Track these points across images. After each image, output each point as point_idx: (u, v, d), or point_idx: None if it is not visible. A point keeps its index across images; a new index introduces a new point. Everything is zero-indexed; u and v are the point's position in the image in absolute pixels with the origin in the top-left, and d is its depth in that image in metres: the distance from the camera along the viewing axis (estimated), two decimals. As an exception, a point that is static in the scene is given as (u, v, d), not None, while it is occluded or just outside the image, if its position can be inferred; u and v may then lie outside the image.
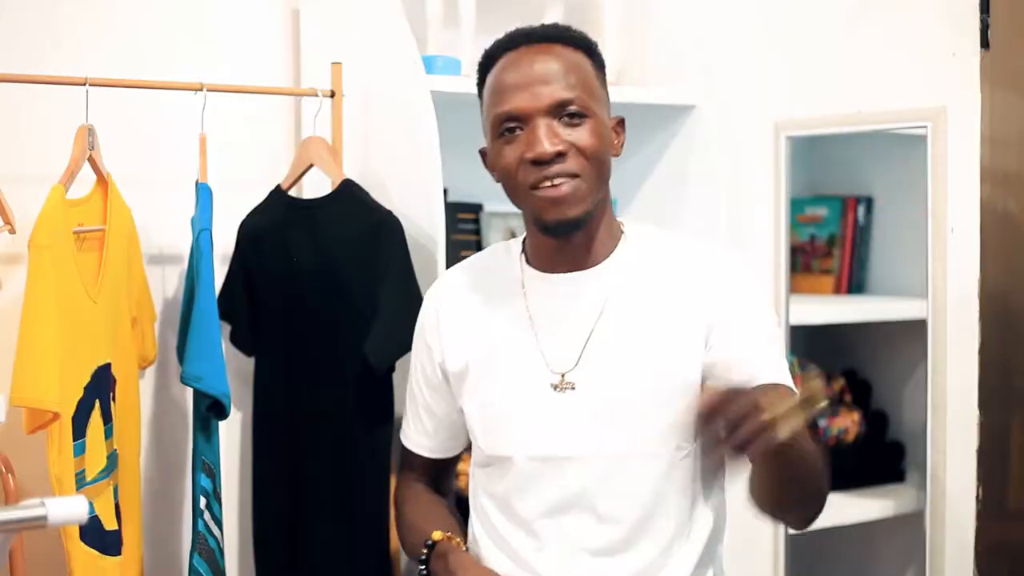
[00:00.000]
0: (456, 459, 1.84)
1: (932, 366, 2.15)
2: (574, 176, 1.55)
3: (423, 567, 1.67)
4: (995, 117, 2.05)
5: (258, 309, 2.14)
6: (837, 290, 2.66)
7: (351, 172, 2.16)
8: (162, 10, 2.23)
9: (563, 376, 1.61)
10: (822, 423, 2.60)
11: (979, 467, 2.09)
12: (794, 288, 2.47)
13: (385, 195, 2.11)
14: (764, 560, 2.45)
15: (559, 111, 1.55)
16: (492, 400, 1.66)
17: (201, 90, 2.03)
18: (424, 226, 2.04)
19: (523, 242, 1.71)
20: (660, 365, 1.59)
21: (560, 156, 1.54)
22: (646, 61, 2.55)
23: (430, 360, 1.73)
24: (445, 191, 2.05)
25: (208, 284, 1.98)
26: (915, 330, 2.22)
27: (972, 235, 2.08)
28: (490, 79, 1.61)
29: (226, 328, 2.12)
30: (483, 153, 1.67)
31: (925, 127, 2.14)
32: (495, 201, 2.42)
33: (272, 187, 2.16)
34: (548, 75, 1.56)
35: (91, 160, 1.96)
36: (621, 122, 1.67)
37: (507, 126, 1.57)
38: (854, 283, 2.65)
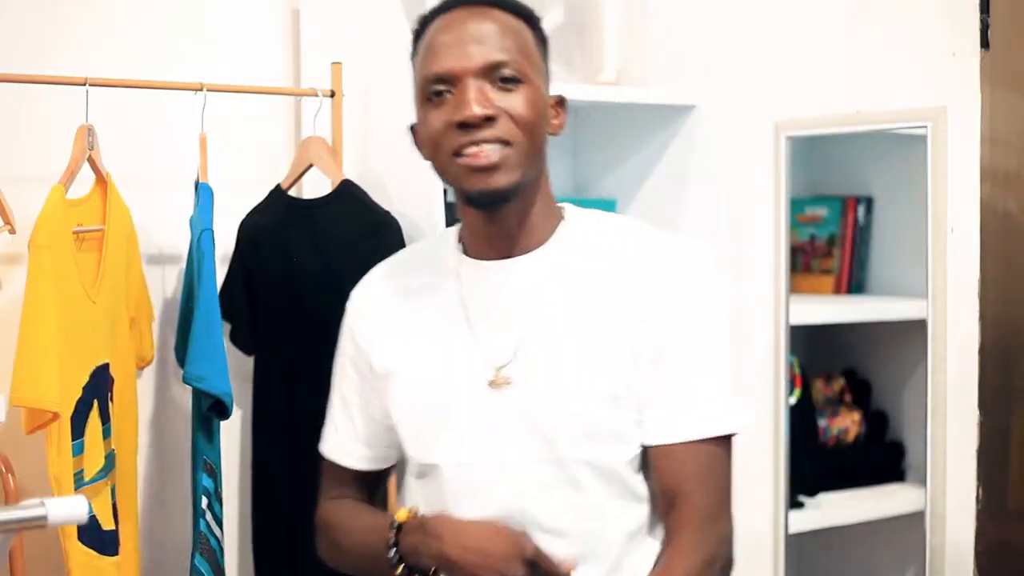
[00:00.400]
0: (389, 472, 1.68)
1: (932, 366, 2.14)
2: (504, 143, 1.42)
3: (394, 550, 1.45)
4: (995, 117, 2.05)
5: (258, 309, 2.15)
6: (837, 290, 2.66)
7: (351, 172, 2.16)
8: (162, 10, 2.24)
9: (499, 371, 1.47)
10: (822, 423, 2.61)
11: (979, 467, 2.08)
12: (794, 288, 2.47)
13: (385, 195, 2.11)
14: (764, 560, 2.44)
15: (492, 73, 1.43)
16: (423, 401, 1.52)
17: (201, 90, 2.03)
18: (424, 226, 2.04)
19: (459, 230, 1.58)
20: (601, 360, 1.46)
21: (489, 120, 1.41)
22: (646, 61, 2.55)
23: (363, 359, 1.59)
24: (445, 191, 2.05)
25: (210, 284, 1.98)
26: (915, 330, 2.22)
27: (972, 235, 2.07)
28: (421, 43, 1.49)
29: (226, 327, 2.12)
30: (412, 130, 1.53)
31: (925, 127, 2.14)
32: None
33: (272, 187, 2.16)
34: (482, 35, 1.44)
35: (91, 160, 1.96)
36: (562, 101, 1.53)
37: (435, 88, 1.44)
38: (854, 283, 2.65)
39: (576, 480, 1.46)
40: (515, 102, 1.43)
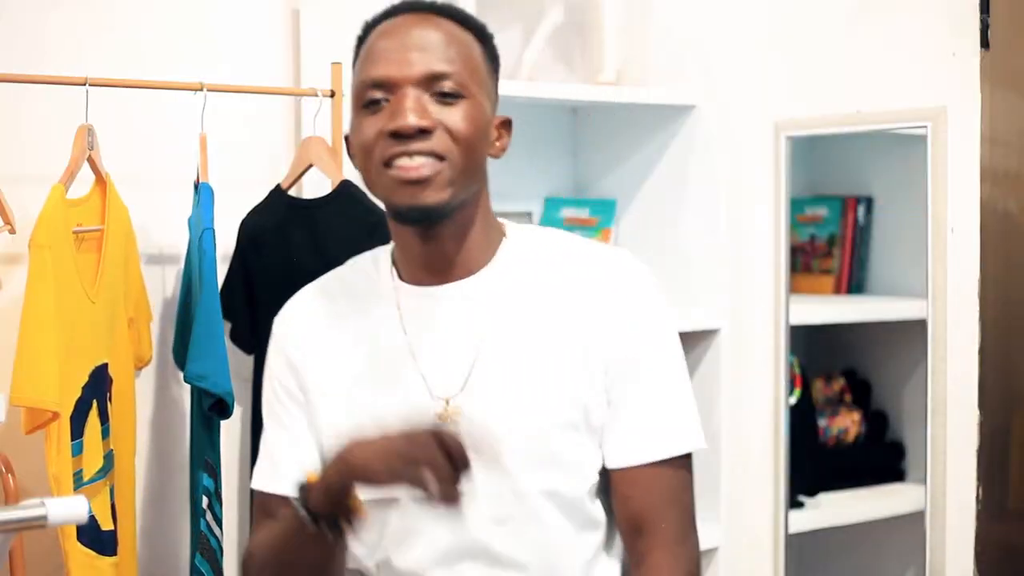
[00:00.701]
0: None
1: (932, 366, 2.14)
2: (438, 158, 1.34)
3: (305, 511, 1.30)
4: (995, 117, 2.05)
5: (258, 308, 2.15)
6: (837, 290, 2.66)
7: (351, 172, 2.16)
8: (162, 10, 2.23)
9: (448, 402, 1.40)
10: (822, 423, 2.61)
11: (979, 467, 2.08)
12: (794, 288, 2.47)
13: (385, 195, 2.11)
14: (764, 560, 2.44)
15: (432, 84, 1.35)
16: (365, 434, 1.33)
17: (201, 90, 2.03)
18: (424, 226, 2.03)
19: (391, 252, 1.50)
20: (556, 386, 1.40)
21: (424, 133, 1.33)
22: (646, 61, 2.55)
23: (298, 385, 1.47)
24: (445, 191, 2.04)
25: (211, 283, 1.98)
26: (915, 330, 2.22)
27: (972, 235, 2.08)
28: (363, 48, 1.41)
29: (227, 327, 2.12)
30: (346, 140, 1.45)
31: (925, 127, 2.14)
32: (494, 201, 2.42)
33: (271, 187, 2.16)
34: (426, 44, 1.36)
35: (90, 160, 1.96)
36: (507, 123, 1.46)
37: (372, 96, 1.36)
38: (854, 283, 2.65)
39: (536, 512, 1.40)
40: (454, 117, 1.35)
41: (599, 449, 1.43)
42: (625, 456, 1.42)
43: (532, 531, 1.40)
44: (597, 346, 1.41)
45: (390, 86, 1.36)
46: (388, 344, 1.44)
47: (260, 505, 1.50)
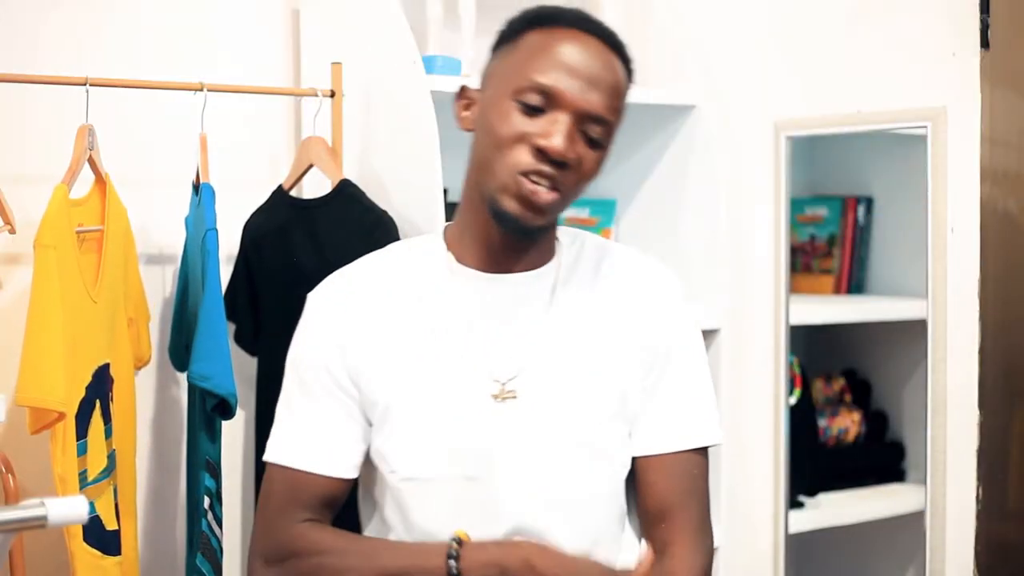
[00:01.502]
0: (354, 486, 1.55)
1: (932, 366, 2.14)
2: (562, 192, 1.42)
3: (453, 561, 1.38)
4: (995, 117, 2.05)
5: (260, 308, 2.15)
6: (837, 290, 2.66)
7: (351, 172, 2.16)
8: (162, 10, 2.23)
9: (504, 385, 1.46)
10: (822, 423, 2.61)
11: (979, 467, 2.08)
12: (794, 288, 2.47)
13: (385, 195, 2.11)
14: (764, 560, 2.44)
15: (587, 123, 1.41)
16: (420, 413, 1.46)
17: (201, 90, 2.03)
18: (424, 226, 2.03)
19: (443, 236, 1.55)
20: (603, 377, 1.48)
21: (565, 166, 1.40)
22: (646, 61, 2.54)
23: (343, 361, 1.49)
24: (445, 191, 2.05)
25: (215, 284, 1.98)
26: (915, 330, 2.22)
27: (972, 235, 2.08)
28: (538, 38, 1.42)
29: (230, 328, 2.12)
30: (463, 91, 1.49)
31: (925, 127, 2.14)
32: (495, 201, 2.43)
33: (272, 187, 2.16)
34: (604, 83, 1.42)
35: (90, 160, 1.96)
36: None
37: (533, 98, 1.39)
38: (854, 283, 2.65)
39: (584, 499, 1.48)
40: (589, 160, 1.42)
41: (629, 439, 1.50)
42: (655, 443, 1.50)
43: (580, 517, 1.47)
44: (635, 341, 1.50)
45: (557, 101, 1.40)
46: (445, 325, 1.48)
47: (285, 480, 1.49)
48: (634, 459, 1.51)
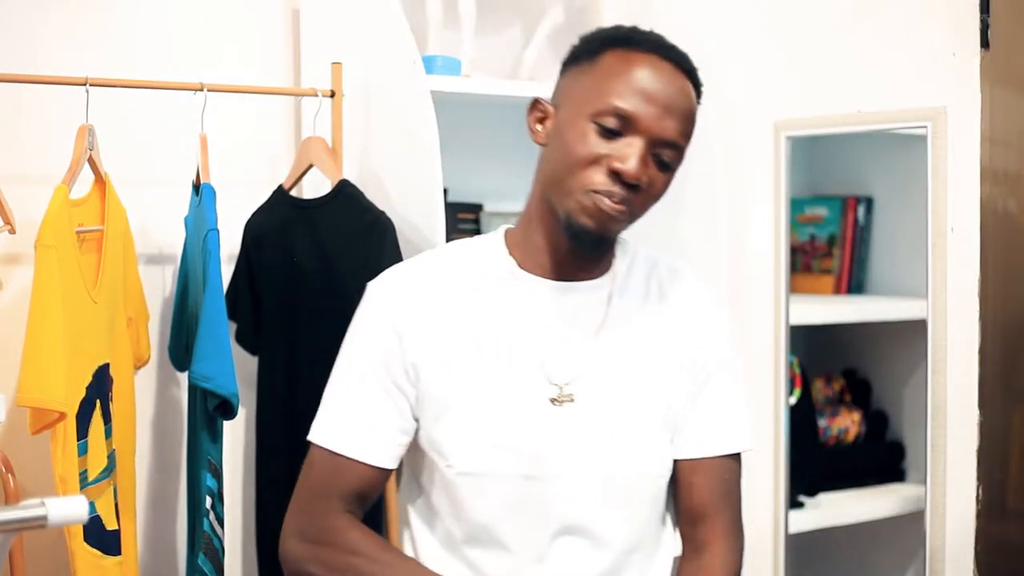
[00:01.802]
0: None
1: (932, 366, 2.14)
2: (630, 213, 1.48)
3: None
4: (995, 117, 2.05)
5: (261, 308, 2.15)
6: (837, 290, 2.66)
7: (351, 172, 2.16)
8: (162, 10, 2.24)
9: (561, 389, 1.51)
10: (822, 423, 2.61)
11: (979, 467, 2.09)
12: (794, 288, 2.47)
13: (385, 195, 2.11)
14: (764, 560, 2.44)
15: (660, 147, 1.46)
16: (479, 410, 1.49)
17: (201, 90, 2.03)
18: (424, 226, 2.03)
19: (504, 240, 1.58)
20: (654, 384, 1.55)
21: (637, 188, 1.45)
22: (646, 61, 2.54)
23: (404, 354, 1.51)
24: (445, 191, 2.05)
25: (216, 284, 1.98)
26: (915, 330, 2.22)
27: (972, 235, 2.08)
28: (616, 61, 1.48)
29: (232, 327, 2.12)
30: (537, 104, 1.54)
31: (925, 127, 2.14)
32: (495, 201, 2.43)
33: (272, 187, 2.16)
34: (679, 111, 1.47)
35: (90, 160, 1.96)
36: None
37: (610, 122, 1.44)
38: (854, 283, 2.65)
39: (629, 497, 1.53)
40: (659, 182, 1.48)
41: (671, 445, 1.57)
42: (697, 448, 1.57)
43: (629, 516, 1.53)
44: (681, 353, 1.57)
45: (634, 126, 1.45)
46: (506, 327, 1.52)
47: (326, 462, 1.53)
48: (676, 462, 1.57)
